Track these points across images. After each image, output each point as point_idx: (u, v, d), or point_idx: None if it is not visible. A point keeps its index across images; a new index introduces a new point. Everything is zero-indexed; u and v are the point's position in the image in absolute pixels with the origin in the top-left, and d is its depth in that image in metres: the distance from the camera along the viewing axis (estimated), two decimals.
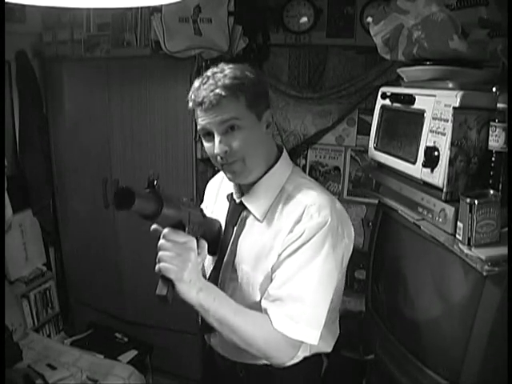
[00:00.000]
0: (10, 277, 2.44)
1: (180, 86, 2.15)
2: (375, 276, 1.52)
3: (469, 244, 1.01)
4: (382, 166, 1.41)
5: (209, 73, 1.01)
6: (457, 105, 1.06)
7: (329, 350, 1.15)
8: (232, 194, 1.12)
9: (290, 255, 0.97)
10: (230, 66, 1.01)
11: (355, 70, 2.14)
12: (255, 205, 1.05)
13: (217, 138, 0.98)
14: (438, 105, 1.12)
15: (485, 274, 0.95)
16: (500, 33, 1.16)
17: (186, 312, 2.60)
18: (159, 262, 0.90)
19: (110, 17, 2.23)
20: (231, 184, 1.12)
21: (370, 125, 1.46)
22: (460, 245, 1.04)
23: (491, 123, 1.08)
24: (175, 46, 2.01)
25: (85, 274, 2.70)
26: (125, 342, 2.48)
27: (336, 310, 1.15)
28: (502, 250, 0.98)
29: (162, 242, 0.91)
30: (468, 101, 1.07)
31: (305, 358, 1.09)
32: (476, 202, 0.99)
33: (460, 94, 1.07)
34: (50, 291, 2.65)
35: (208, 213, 1.13)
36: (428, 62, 1.25)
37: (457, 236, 1.05)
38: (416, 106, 1.22)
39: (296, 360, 1.06)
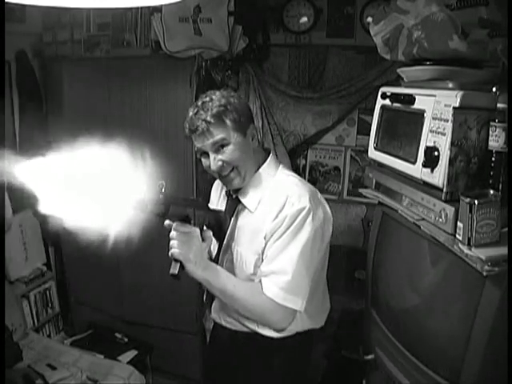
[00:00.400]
0: (9, 277, 2.44)
1: (180, 86, 2.16)
2: (375, 276, 1.52)
3: (469, 244, 1.01)
4: (381, 166, 1.41)
5: (199, 102, 1.22)
6: (457, 105, 1.06)
7: (318, 326, 1.35)
8: (229, 191, 1.33)
9: (276, 238, 1.18)
10: (217, 93, 1.22)
11: (355, 69, 2.14)
12: (248, 199, 1.26)
13: (211, 156, 1.19)
14: (437, 105, 1.12)
15: (485, 274, 0.95)
16: (500, 33, 1.16)
17: (185, 312, 2.61)
18: (171, 248, 1.13)
19: (110, 17, 2.24)
20: None
21: (370, 125, 1.46)
22: (460, 245, 1.04)
23: (491, 123, 1.08)
24: (175, 45, 2.02)
25: (85, 274, 2.70)
26: (125, 342, 2.48)
27: (322, 285, 1.35)
28: (502, 250, 0.98)
29: (172, 232, 1.14)
30: (468, 101, 1.07)
31: (297, 333, 1.28)
32: (476, 201, 0.99)
33: (460, 94, 1.07)
34: (50, 291, 2.65)
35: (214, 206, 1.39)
36: (428, 62, 1.25)
37: (457, 236, 1.05)
38: (416, 106, 1.22)
39: (289, 333, 1.26)
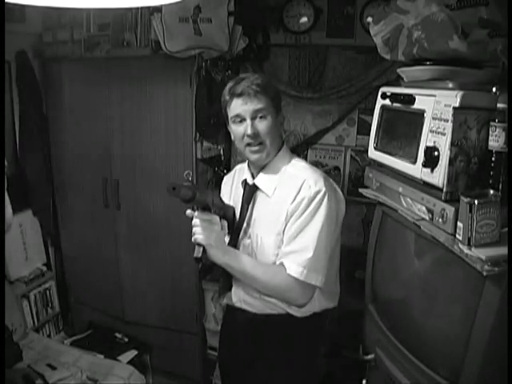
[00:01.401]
0: (9, 277, 2.44)
1: (180, 86, 2.16)
2: (375, 276, 1.52)
3: (469, 244, 1.01)
4: (381, 166, 1.41)
5: (241, 76, 1.35)
6: (457, 105, 1.06)
7: (331, 306, 1.43)
8: (245, 180, 1.42)
9: (295, 219, 1.26)
10: (256, 75, 1.37)
11: (355, 70, 2.13)
12: (265, 184, 1.35)
13: (249, 122, 1.28)
14: (437, 105, 1.12)
15: (485, 273, 0.95)
16: (500, 33, 1.16)
17: (185, 312, 2.62)
18: (194, 234, 1.22)
19: (110, 17, 2.24)
20: (243, 174, 1.45)
21: (370, 125, 1.46)
22: (460, 245, 1.04)
23: (491, 123, 1.08)
24: (175, 45, 2.01)
25: (85, 274, 2.70)
26: (125, 342, 2.48)
27: (335, 265, 1.42)
28: (502, 250, 0.98)
29: (194, 220, 1.23)
30: (468, 101, 1.07)
31: (314, 313, 1.37)
32: (476, 201, 0.99)
33: (460, 94, 1.07)
34: (50, 291, 2.65)
35: (226, 200, 1.44)
36: (428, 62, 1.25)
37: (457, 236, 1.05)
38: (416, 106, 1.22)
39: (308, 313, 1.36)
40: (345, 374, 1.89)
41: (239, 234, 1.40)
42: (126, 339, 2.50)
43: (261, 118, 1.28)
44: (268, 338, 1.40)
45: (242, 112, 1.28)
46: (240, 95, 1.27)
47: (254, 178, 1.40)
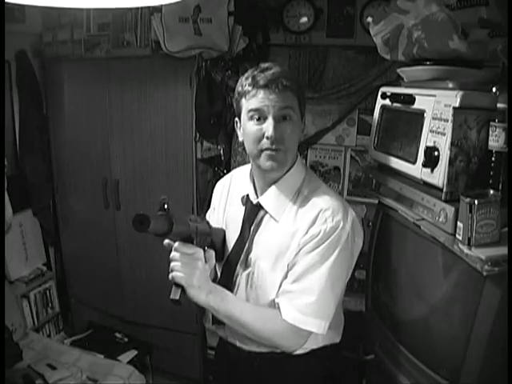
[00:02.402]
0: (10, 277, 2.44)
1: (180, 86, 2.16)
2: (375, 276, 1.52)
3: (469, 244, 1.01)
4: (381, 166, 1.41)
5: (265, 65, 1.09)
6: (457, 105, 1.06)
7: (337, 340, 1.24)
8: (247, 195, 1.19)
9: (304, 255, 1.06)
10: (282, 67, 1.12)
11: (355, 69, 2.13)
12: (272, 205, 1.13)
13: (271, 122, 1.05)
14: (437, 105, 1.12)
15: (485, 273, 0.95)
16: (500, 33, 1.16)
17: (186, 312, 2.61)
18: (171, 271, 1.01)
19: (110, 17, 2.23)
20: (243, 186, 1.22)
21: (370, 125, 1.46)
22: (460, 245, 1.04)
23: (491, 123, 1.08)
24: (175, 45, 2.01)
25: (85, 274, 2.70)
26: (125, 342, 2.48)
27: (341, 302, 1.21)
28: (502, 250, 0.98)
29: (173, 253, 1.02)
30: (468, 101, 1.07)
31: (315, 349, 1.18)
32: (476, 201, 0.99)
33: (460, 94, 1.07)
34: (50, 291, 2.65)
35: (218, 214, 1.27)
36: (428, 62, 1.25)
37: (457, 236, 1.05)
38: (416, 105, 1.22)
39: (308, 350, 1.16)
40: (345, 374, 1.88)
41: (238, 261, 1.18)
42: (126, 339, 2.50)
43: (284, 119, 1.06)
44: (266, 379, 1.23)
45: (266, 108, 1.04)
46: (265, 86, 1.04)
47: (257, 195, 1.17)
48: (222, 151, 2.19)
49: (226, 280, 1.19)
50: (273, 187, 1.13)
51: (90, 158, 2.50)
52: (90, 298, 2.71)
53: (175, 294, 1.00)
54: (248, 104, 1.08)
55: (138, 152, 2.33)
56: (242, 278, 1.17)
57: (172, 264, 1.01)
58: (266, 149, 1.06)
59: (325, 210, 1.06)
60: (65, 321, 2.78)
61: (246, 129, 1.10)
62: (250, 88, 1.07)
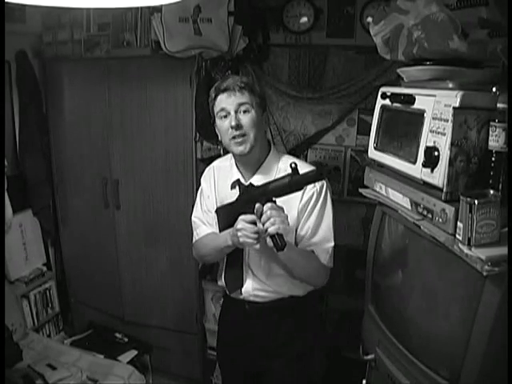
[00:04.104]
0: (10, 277, 2.44)
1: (180, 86, 2.16)
2: (375, 276, 1.52)
3: (469, 244, 1.01)
4: (381, 166, 1.41)
5: (226, 76, 1.45)
6: (457, 105, 1.06)
7: (326, 281, 1.50)
8: (238, 180, 1.42)
9: (309, 215, 1.38)
10: (244, 76, 1.57)
11: (355, 70, 2.13)
12: (262, 182, 1.34)
13: (233, 115, 1.35)
14: (437, 105, 1.12)
15: (485, 273, 0.95)
16: (500, 33, 1.16)
17: (185, 312, 2.61)
18: (273, 224, 1.19)
19: (110, 17, 2.24)
20: (226, 174, 1.49)
21: (370, 125, 1.46)
22: (460, 245, 1.04)
23: (491, 123, 1.08)
24: (175, 45, 2.01)
25: (85, 274, 2.70)
26: (125, 342, 2.49)
27: None
28: (502, 250, 0.98)
29: (270, 212, 1.21)
30: (468, 101, 1.07)
31: (312, 291, 1.49)
32: (476, 201, 0.99)
33: (460, 94, 1.07)
34: (50, 291, 2.65)
35: (212, 200, 1.51)
36: (428, 62, 1.25)
37: (457, 236, 1.05)
38: (416, 105, 1.22)
39: (307, 292, 1.48)
40: (345, 373, 1.89)
41: None
42: (126, 339, 2.50)
43: (244, 112, 1.35)
44: (278, 321, 1.48)
45: (227, 106, 1.35)
46: (225, 90, 1.35)
47: (245, 178, 1.44)
48: (221, 151, 2.19)
49: (238, 249, 1.40)
50: (258, 171, 1.43)
51: (90, 158, 2.50)
52: (90, 298, 2.72)
53: (282, 241, 1.19)
54: (216, 106, 1.39)
55: (138, 152, 2.33)
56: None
57: (272, 219, 1.19)
58: (233, 137, 1.35)
59: None
60: (65, 321, 2.78)
61: (218, 125, 1.41)
62: (214, 94, 1.38)
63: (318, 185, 1.36)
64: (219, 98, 1.37)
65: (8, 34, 1.92)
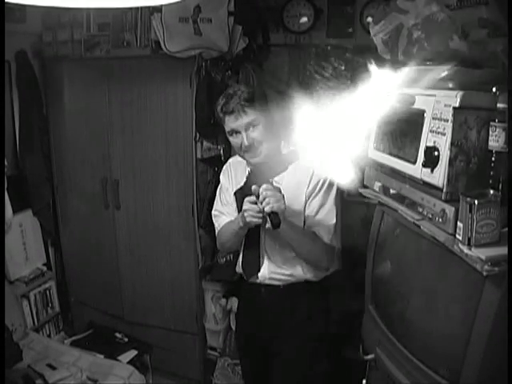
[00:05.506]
0: (9, 277, 2.44)
1: (180, 86, 2.16)
2: (375, 276, 1.52)
3: (469, 244, 1.01)
4: (382, 166, 1.41)
5: (229, 91, 1.48)
6: (457, 105, 1.06)
7: (337, 267, 1.64)
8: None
9: (314, 197, 1.49)
10: (242, 86, 1.63)
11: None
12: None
13: (244, 134, 1.44)
14: (437, 105, 1.12)
15: (485, 273, 0.95)
16: (500, 33, 1.16)
17: (185, 312, 2.61)
18: (268, 203, 1.30)
19: (110, 17, 2.24)
20: (241, 171, 1.59)
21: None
22: (460, 245, 1.03)
23: (491, 123, 1.08)
24: (175, 45, 2.01)
25: (85, 274, 2.70)
26: (125, 342, 2.48)
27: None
28: (502, 250, 0.98)
29: (266, 192, 1.31)
30: (468, 101, 1.07)
31: (325, 277, 1.58)
32: (476, 202, 0.99)
33: (460, 94, 1.07)
34: (50, 291, 2.65)
35: (231, 193, 1.61)
36: (428, 62, 1.25)
37: (457, 236, 1.05)
38: (416, 105, 1.22)
39: (321, 277, 1.57)
40: (345, 373, 1.88)
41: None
42: (126, 339, 2.50)
43: (253, 127, 1.44)
44: (292, 305, 1.56)
45: (236, 127, 1.44)
46: (231, 113, 1.43)
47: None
48: (221, 151, 2.19)
49: (253, 230, 1.49)
50: (271, 162, 1.50)
51: (90, 158, 2.50)
52: (90, 297, 2.72)
53: (276, 220, 1.30)
54: (225, 126, 1.48)
55: (137, 152, 2.33)
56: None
57: (268, 199, 1.30)
58: (245, 152, 1.47)
59: (313, 172, 1.47)
60: (65, 321, 2.78)
61: (230, 140, 1.51)
62: (222, 115, 1.47)
63: (322, 176, 1.47)
64: (227, 119, 1.45)
65: (8, 34, 1.92)
